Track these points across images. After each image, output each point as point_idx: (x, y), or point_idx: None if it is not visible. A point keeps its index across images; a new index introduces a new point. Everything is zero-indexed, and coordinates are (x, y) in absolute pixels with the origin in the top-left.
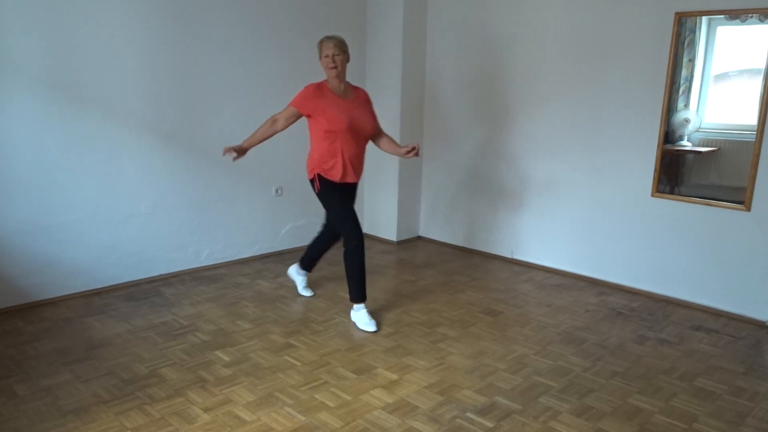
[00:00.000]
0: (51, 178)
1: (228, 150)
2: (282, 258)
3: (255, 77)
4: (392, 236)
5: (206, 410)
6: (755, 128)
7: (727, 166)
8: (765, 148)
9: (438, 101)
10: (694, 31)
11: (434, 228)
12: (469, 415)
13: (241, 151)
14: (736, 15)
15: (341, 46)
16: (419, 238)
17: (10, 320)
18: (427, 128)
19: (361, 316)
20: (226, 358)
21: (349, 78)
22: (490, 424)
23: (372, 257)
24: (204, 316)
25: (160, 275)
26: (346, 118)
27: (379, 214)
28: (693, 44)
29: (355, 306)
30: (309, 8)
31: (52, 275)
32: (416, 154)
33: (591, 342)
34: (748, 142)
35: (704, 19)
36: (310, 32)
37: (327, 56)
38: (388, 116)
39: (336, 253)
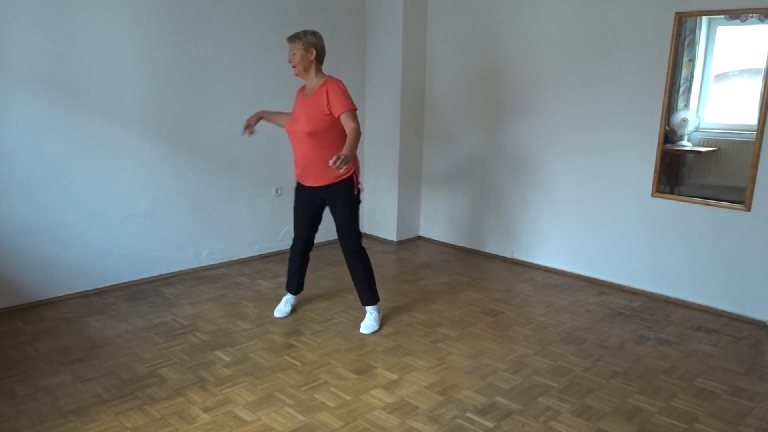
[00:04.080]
0: (51, 178)
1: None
2: (282, 258)
3: (255, 77)
4: (392, 236)
5: (206, 410)
6: (755, 128)
7: (727, 166)
8: (765, 148)
9: (438, 101)
10: (694, 31)
11: (434, 228)
12: (469, 415)
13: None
14: (736, 15)
15: (297, 44)
16: (419, 238)
17: (10, 320)
18: (427, 128)
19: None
20: (226, 358)
21: (349, 78)
22: (490, 424)
23: (372, 257)
24: (204, 316)
25: (160, 275)
26: (292, 121)
27: (379, 214)
28: (693, 44)
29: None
30: (309, 8)
31: (52, 275)
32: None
33: (591, 342)
34: (748, 142)
35: (704, 19)
36: None
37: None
38: (388, 116)
39: (334, 253)
